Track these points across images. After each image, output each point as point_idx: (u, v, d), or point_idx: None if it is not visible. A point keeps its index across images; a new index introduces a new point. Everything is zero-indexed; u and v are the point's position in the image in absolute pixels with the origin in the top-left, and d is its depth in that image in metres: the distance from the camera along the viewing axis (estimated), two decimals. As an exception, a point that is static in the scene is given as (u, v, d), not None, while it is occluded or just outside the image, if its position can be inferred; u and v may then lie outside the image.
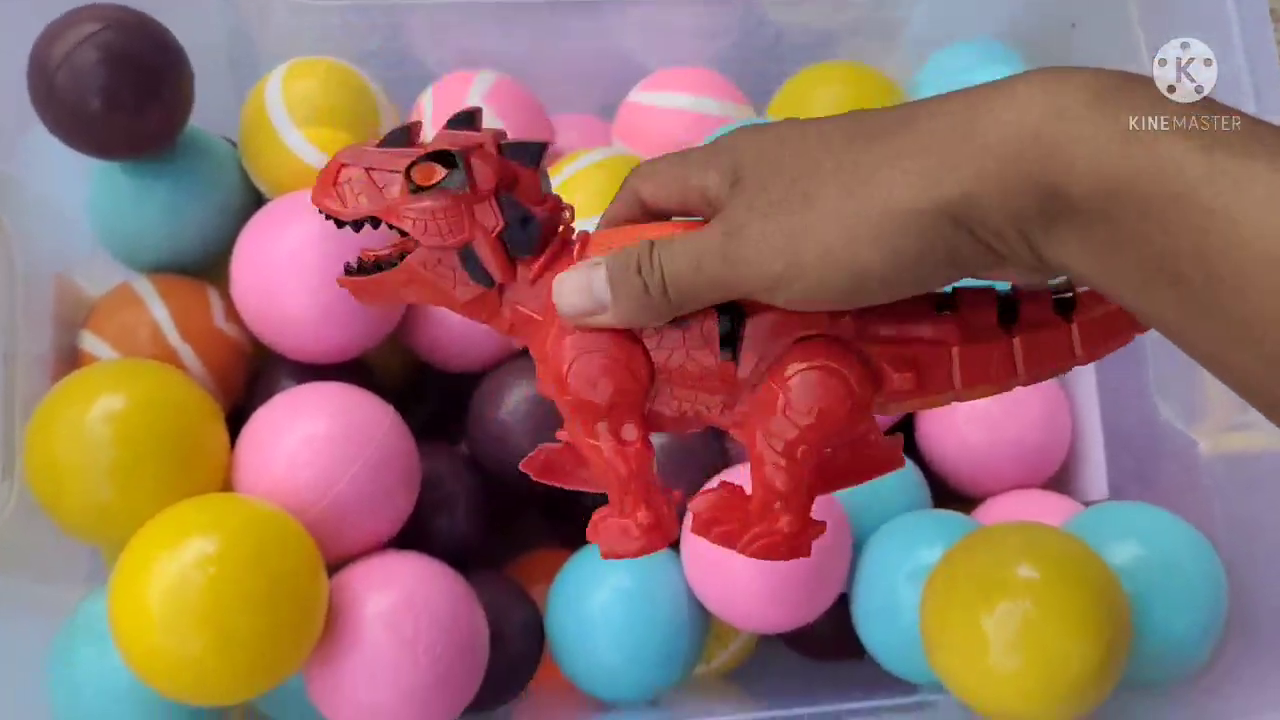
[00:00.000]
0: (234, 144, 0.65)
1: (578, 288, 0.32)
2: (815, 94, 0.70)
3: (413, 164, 0.33)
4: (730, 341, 0.33)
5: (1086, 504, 0.65)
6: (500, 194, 0.33)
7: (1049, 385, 0.67)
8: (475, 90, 0.66)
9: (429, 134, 0.65)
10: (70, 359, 0.59)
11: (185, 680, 0.47)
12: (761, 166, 0.31)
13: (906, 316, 0.33)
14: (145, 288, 0.60)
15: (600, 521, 0.35)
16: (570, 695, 0.63)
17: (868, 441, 0.36)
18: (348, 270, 0.35)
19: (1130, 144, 0.25)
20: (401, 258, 0.34)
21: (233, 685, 0.48)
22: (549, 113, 0.70)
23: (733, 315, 0.33)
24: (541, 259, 0.33)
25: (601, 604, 0.59)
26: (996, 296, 0.34)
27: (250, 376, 0.63)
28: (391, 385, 0.66)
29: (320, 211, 0.34)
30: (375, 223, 0.33)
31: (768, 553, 0.34)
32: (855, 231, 0.29)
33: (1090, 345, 0.33)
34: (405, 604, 0.52)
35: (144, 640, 0.47)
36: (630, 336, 0.33)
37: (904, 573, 0.57)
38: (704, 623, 0.61)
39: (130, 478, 0.51)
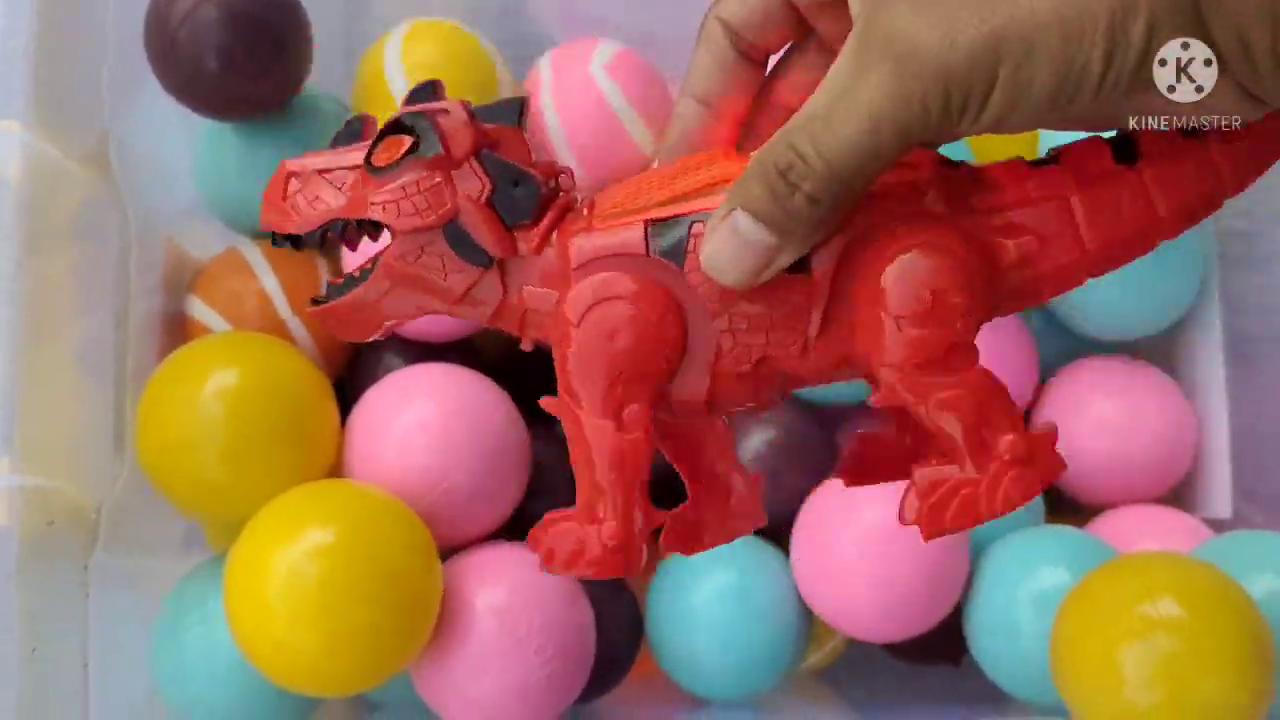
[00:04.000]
0: (345, 106, 0.63)
1: (729, 248, 0.27)
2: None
3: (371, 148, 0.28)
4: (801, 260, 0.27)
5: (1207, 521, 0.63)
6: (480, 154, 0.28)
7: (1173, 396, 0.65)
8: (596, 60, 0.63)
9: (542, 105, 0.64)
10: (178, 324, 0.58)
11: (301, 673, 0.47)
12: None
13: (1002, 176, 0.28)
14: (255, 256, 0.58)
15: (554, 523, 0.29)
16: (664, 689, 0.62)
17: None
18: (314, 301, 0.30)
19: None
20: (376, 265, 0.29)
21: (348, 678, 0.48)
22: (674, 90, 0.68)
23: None
24: (543, 223, 0.28)
25: (704, 600, 0.57)
26: (1104, 140, 0.29)
27: (353, 353, 0.61)
28: (497, 364, 0.65)
29: (272, 238, 0.29)
30: (341, 231, 0.28)
31: (1018, 494, 0.27)
32: None
33: (1236, 163, 0.28)
34: (517, 598, 0.51)
35: (260, 631, 0.47)
36: (665, 292, 0.28)
37: (1025, 591, 0.55)
38: (807, 624, 0.60)
39: (243, 455, 0.50)
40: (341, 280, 0.29)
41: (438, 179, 0.28)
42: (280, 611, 0.46)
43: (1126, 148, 0.28)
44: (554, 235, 0.29)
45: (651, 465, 0.28)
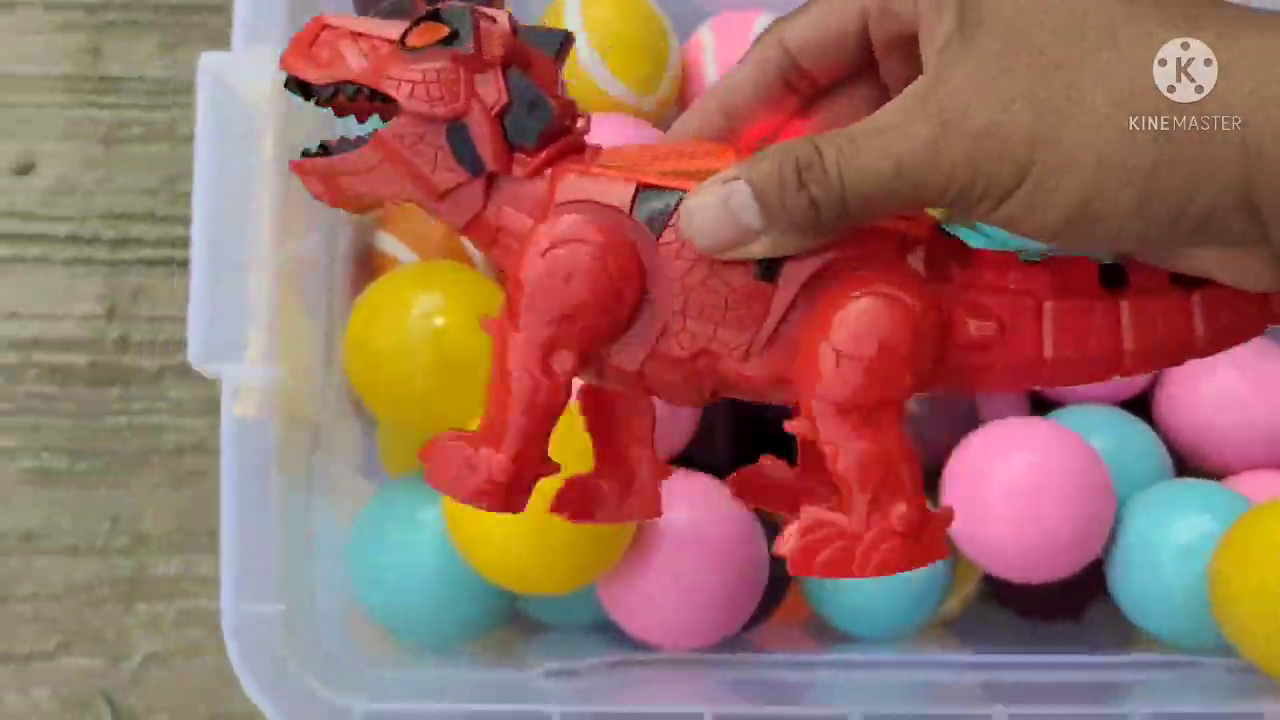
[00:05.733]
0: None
1: (714, 213, 0.26)
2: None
3: (410, 27, 0.28)
4: (770, 265, 0.27)
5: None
6: (509, 68, 0.28)
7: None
8: (758, 29, 0.66)
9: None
10: (369, 259, 0.61)
11: (512, 572, 0.50)
12: (1017, 9, 0.24)
13: (988, 261, 0.28)
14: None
15: (447, 441, 0.29)
16: (806, 624, 0.64)
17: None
18: (304, 153, 0.30)
19: None
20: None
21: (555, 578, 0.50)
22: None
23: None
24: (544, 154, 0.29)
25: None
26: (1097, 262, 0.29)
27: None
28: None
29: (286, 80, 0.29)
30: (352, 96, 0.28)
31: (891, 564, 0.27)
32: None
33: (1213, 327, 0.27)
34: (708, 518, 0.53)
35: (475, 530, 0.50)
36: (633, 253, 0.28)
37: (1173, 542, 0.58)
38: (952, 565, 0.62)
39: (449, 370, 0.53)
40: (336, 142, 0.29)
41: (459, 75, 0.28)
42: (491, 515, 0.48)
43: (1116, 274, 0.28)
44: (550, 169, 0.29)
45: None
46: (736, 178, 0.26)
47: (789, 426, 0.28)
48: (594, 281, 0.27)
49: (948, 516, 0.28)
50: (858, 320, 0.26)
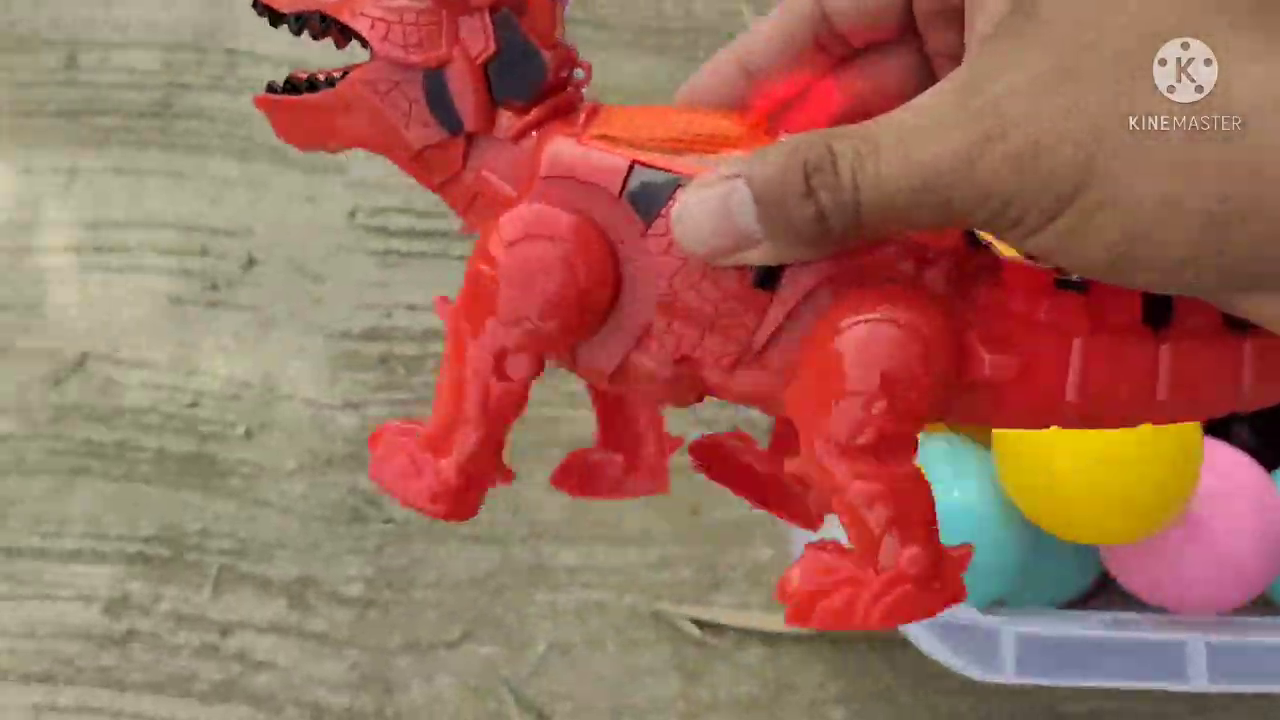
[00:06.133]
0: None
1: (711, 215, 0.22)
2: None
3: None
4: (770, 271, 0.23)
5: None
6: (499, 11, 0.25)
7: None
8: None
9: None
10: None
11: (1083, 525, 0.50)
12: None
13: (1021, 282, 0.24)
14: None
15: (393, 435, 0.26)
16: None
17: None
18: (269, 88, 0.26)
19: None
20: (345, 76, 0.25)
21: (1129, 528, 0.50)
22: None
23: None
24: (534, 112, 0.25)
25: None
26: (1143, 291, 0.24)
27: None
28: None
29: (254, 1, 0.25)
30: (323, 26, 0.25)
31: (900, 613, 0.24)
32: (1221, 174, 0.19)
33: (1264, 381, 0.23)
34: (1232, 485, 0.53)
35: (1039, 482, 0.50)
36: (607, 251, 0.24)
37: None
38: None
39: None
40: (305, 78, 0.26)
41: (441, 17, 0.24)
42: (1060, 469, 0.49)
43: (1162, 308, 0.24)
44: (538, 131, 0.25)
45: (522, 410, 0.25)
46: (737, 175, 0.22)
47: (787, 468, 0.25)
48: (559, 284, 0.24)
49: (965, 556, 0.25)
50: (862, 349, 0.23)
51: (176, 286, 0.74)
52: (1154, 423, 0.24)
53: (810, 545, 0.25)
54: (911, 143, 0.21)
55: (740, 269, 0.23)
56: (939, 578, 0.24)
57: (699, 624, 0.67)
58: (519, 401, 0.25)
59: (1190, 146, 0.19)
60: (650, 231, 0.24)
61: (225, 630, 0.67)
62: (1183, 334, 0.23)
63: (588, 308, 0.24)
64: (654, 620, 0.68)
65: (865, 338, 0.23)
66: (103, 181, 0.76)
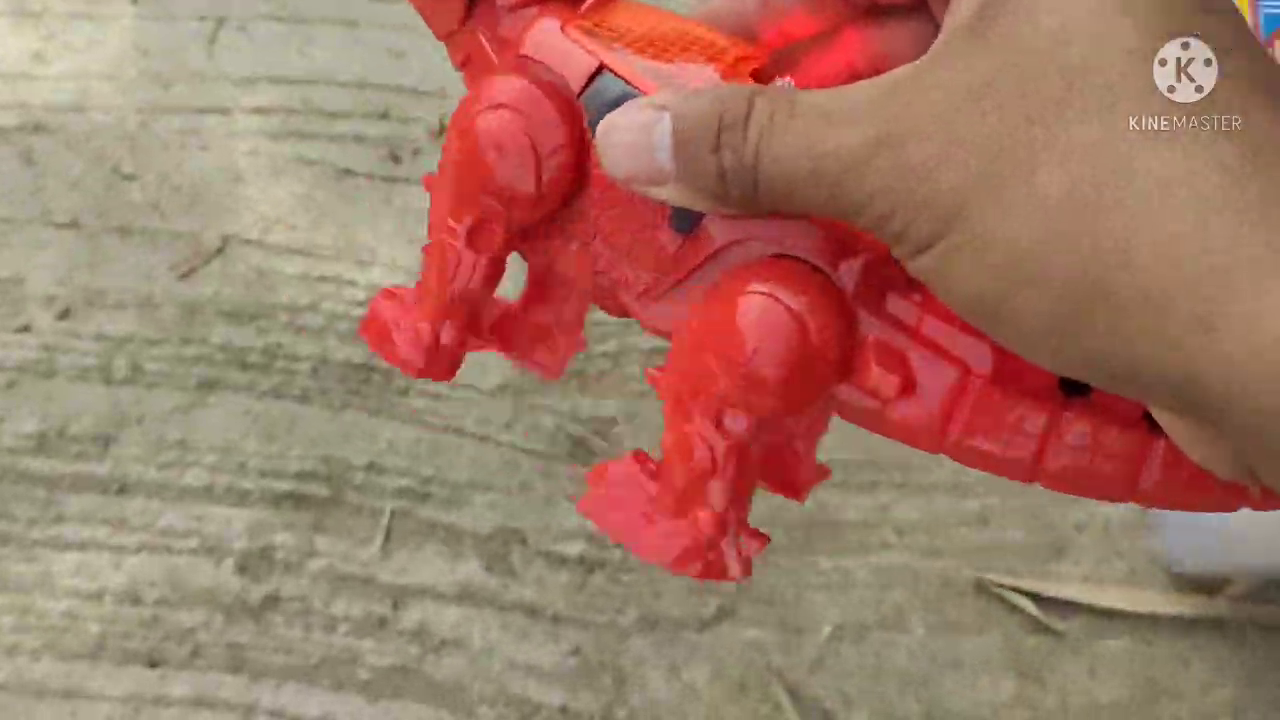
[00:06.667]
0: None
1: (632, 141, 0.24)
2: None
3: None
4: (688, 215, 0.26)
5: None
6: None
7: None
8: None
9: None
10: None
11: None
12: (1052, 19, 0.20)
13: (936, 311, 0.25)
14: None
15: (387, 298, 0.29)
16: None
17: (793, 452, 0.29)
18: None
19: None
20: None
21: None
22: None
23: None
24: None
25: None
26: None
27: None
28: None
29: None
30: None
31: (668, 558, 0.26)
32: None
33: (1165, 482, 0.24)
34: None
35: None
36: (571, 128, 0.26)
37: None
38: None
39: None
40: None
41: None
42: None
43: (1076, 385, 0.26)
44: (539, 7, 0.28)
45: (493, 289, 0.29)
46: (664, 108, 0.23)
47: (648, 372, 0.27)
48: (521, 159, 0.26)
49: (759, 543, 0.26)
50: (743, 318, 0.24)
51: (348, 157, 0.70)
52: (1037, 484, 0.25)
53: (636, 454, 0.28)
54: (819, 127, 0.22)
55: (662, 207, 0.26)
56: (714, 547, 0.26)
57: (1037, 599, 0.57)
58: (492, 271, 0.28)
59: (1069, 207, 0.19)
60: (594, 140, 0.26)
61: (399, 599, 0.59)
62: (1094, 410, 0.24)
63: (547, 186, 0.26)
64: (976, 595, 0.58)
65: (750, 310, 0.24)
66: (258, 29, 0.73)
